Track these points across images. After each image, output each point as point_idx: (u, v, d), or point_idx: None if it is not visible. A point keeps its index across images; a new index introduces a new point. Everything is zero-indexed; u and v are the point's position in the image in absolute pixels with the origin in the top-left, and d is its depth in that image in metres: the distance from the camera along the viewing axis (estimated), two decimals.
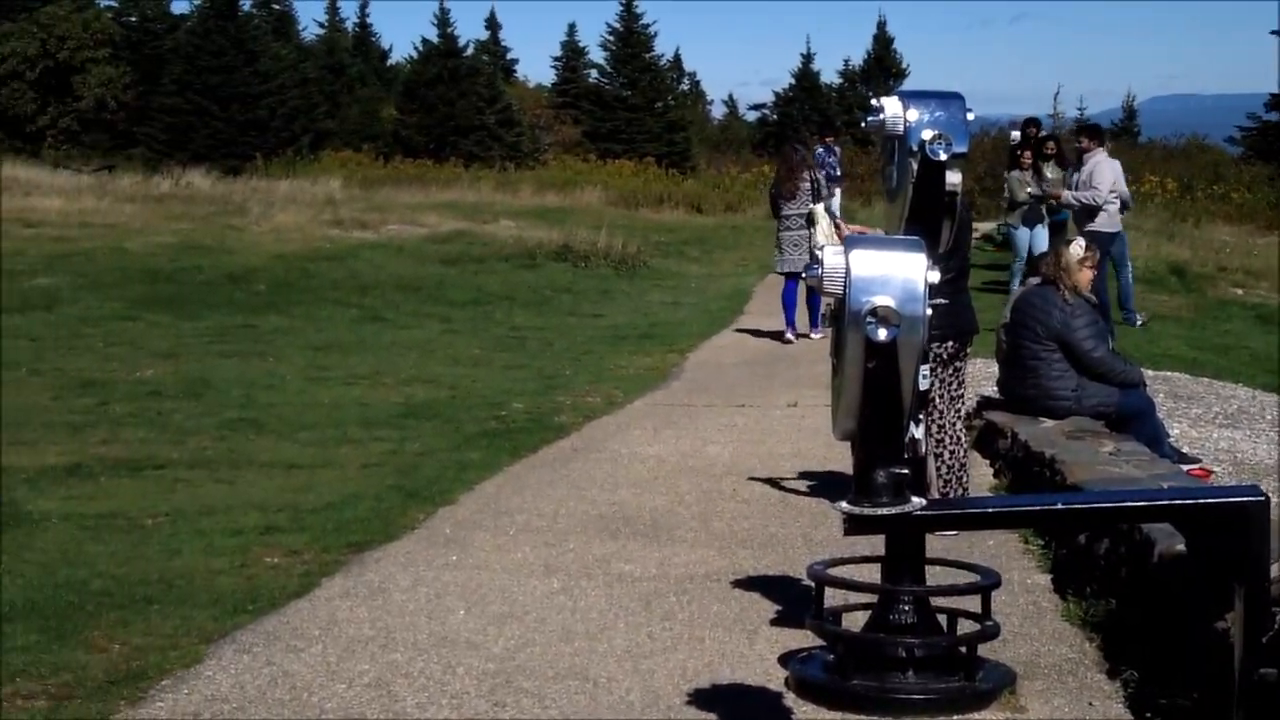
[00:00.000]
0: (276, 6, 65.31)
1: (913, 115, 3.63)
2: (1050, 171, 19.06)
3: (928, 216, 3.66)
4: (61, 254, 23.52)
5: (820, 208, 16.59)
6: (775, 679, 5.51)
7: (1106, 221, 17.34)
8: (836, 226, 16.22)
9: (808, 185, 16.86)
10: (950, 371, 8.36)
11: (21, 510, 8.67)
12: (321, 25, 70.84)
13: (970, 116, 3.70)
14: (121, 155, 51.94)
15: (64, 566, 7.47)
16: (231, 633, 6.44)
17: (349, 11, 70.39)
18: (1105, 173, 17.35)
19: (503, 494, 9.34)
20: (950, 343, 8.24)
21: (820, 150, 24.07)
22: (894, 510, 3.18)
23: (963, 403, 8.69)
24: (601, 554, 7.90)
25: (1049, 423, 9.67)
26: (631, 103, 57.57)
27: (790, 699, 5.35)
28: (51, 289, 20.11)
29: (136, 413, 12.20)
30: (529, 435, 11.38)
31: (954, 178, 3.67)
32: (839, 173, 25.32)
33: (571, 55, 64.13)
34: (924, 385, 3.41)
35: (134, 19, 58.69)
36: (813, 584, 3.49)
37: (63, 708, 5.54)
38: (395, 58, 69.11)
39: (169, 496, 9.18)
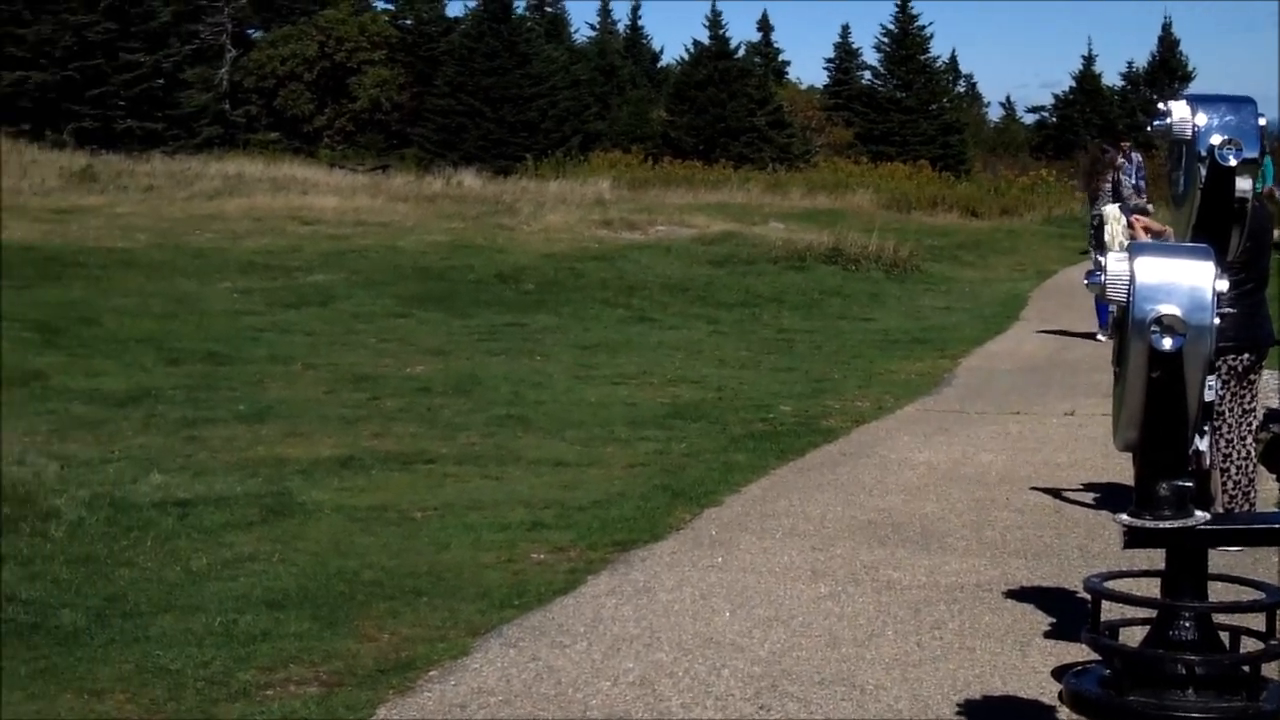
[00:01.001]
0: (549, 9, 66.59)
1: (1201, 119, 3.56)
2: None
3: (1216, 224, 3.58)
4: (337, 251, 24.33)
5: (1112, 209, 16.23)
6: (1048, 693, 5.44)
7: None
8: (1130, 224, 15.85)
9: (1109, 186, 16.55)
10: (1244, 384, 8.14)
11: (295, 501, 9.02)
12: (593, 28, 72.09)
13: (1262, 121, 3.61)
14: (395, 155, 53.56)
15: (336, 557, 7.76)
16: (498, 627, 6.62)
17: (621, 14, 71.31)
18: None
19: (769, 497, 9.38)
20: (1246, 355, 8.03)
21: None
22: (1176, 524, 3.14)
23: (1254, 416, 8.44)
24: (870, 560, 7.89)
25: None
26: (905, 105, 57.16)
27: (1064, 714, 5.27)
28: (327, 285, 20.81)
29: (407, 408, 12.58)
30: (796, 438, 11.41)
31: (1244, 184, 3.59)
32: (1138, 181, 24.49)
33: (844, 57, 63.94)
34: (1209, 396, 3.35)
35: (410, 22, 60.43)
36: (1089, 597, 3.45)
37: (334, 695, 5.78)
38: (666, 59, 69.98)
39: (438, 491, 9.45)
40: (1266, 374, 11.81)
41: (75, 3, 49.52)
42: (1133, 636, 3.38)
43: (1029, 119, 68.91)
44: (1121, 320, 3.13)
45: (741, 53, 58.92)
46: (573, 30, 68.77)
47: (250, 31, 62.42)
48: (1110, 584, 3.51)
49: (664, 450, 10.93)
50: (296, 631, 6.47)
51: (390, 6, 62.16)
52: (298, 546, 7.93)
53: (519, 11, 57.95)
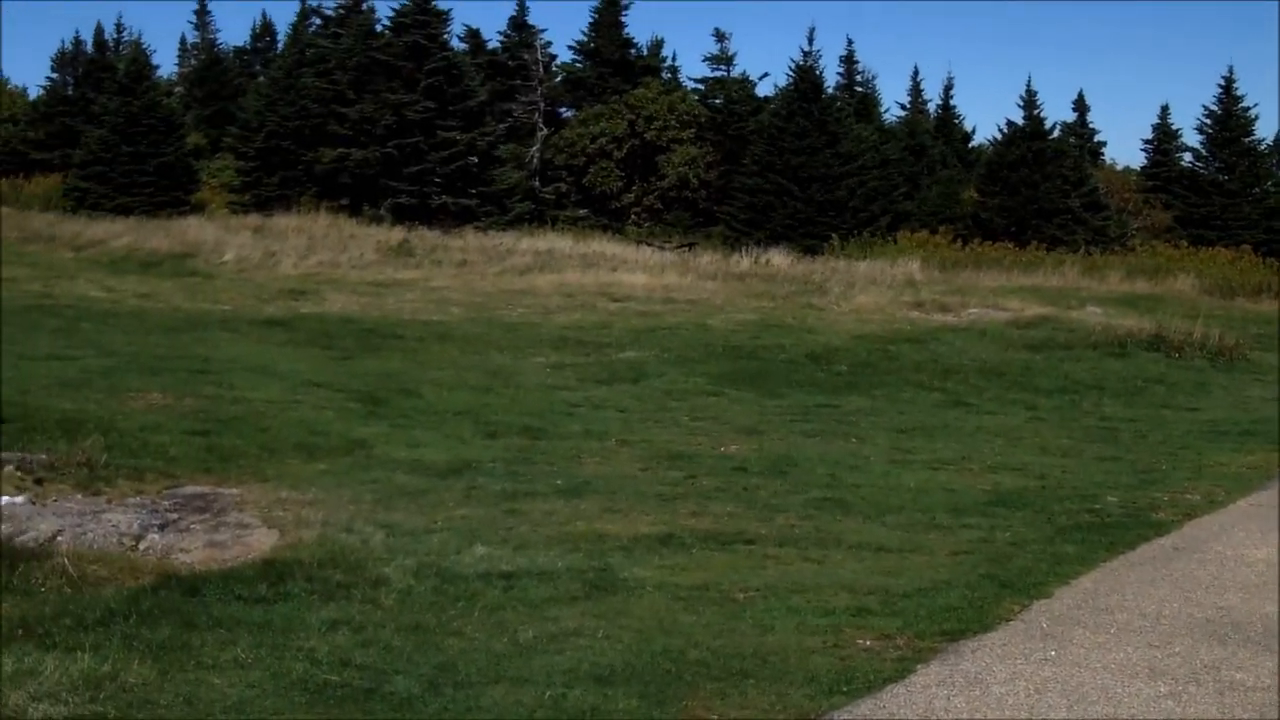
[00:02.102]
0: (859, 89, 66.59)
1: None
2: None
3: None
4: (647, 328, 24.65)
5: None
6: None
7: None
8: None
9: None
10: None
11: (617, 577, 9.08)
12: (903, 107, 71.89)
13: None
14: (701, 233, 54.07)
15: (660, 635, 7.77)
16: (827, 714, 6.53)
17: (932, 93, 70.77)
18: None
19: (1100, 590, 9.09)
20: None
21: None
22: None
23: None
24: (1210, 660, 7.57)
25: None
26: (1228, 187, 55.37)
27: None
28: (638, 362, 21.08)
29: (724, 487, 12.60)
30: (1125, 530, 11.05)
31: None
32: None
33: (1163, 138, 62.34)
34: None
35: (719, 101, 61.10)
36: None
37: None
38: (978, 139, 69.24)
39: (759, 571, 9.41)
40: None
41: (396, 83, 51.54)
42: None
43: None
44: None
45: (1056, 133, 57.94)
46: (883, 110, 68.67)
47: (562, 110, 63.93)
48: None
49: (988, 539, 10.70)
50: (625, 709, 6.49)
51: (700, 86, 63.00)
52: (622, 623, 7.97)
53: (829, 91, 58.11)
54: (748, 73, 63.76)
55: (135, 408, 14.77)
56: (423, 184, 50.36)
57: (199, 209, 50.73)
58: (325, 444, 13.68)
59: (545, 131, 59.60)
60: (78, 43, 69.46)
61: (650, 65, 64.18)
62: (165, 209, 48.60)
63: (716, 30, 65.62)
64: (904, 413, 18.22)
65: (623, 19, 63.75)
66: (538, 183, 57.75)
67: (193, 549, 9.49)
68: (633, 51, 63.93)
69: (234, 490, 11.45)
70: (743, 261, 38.16)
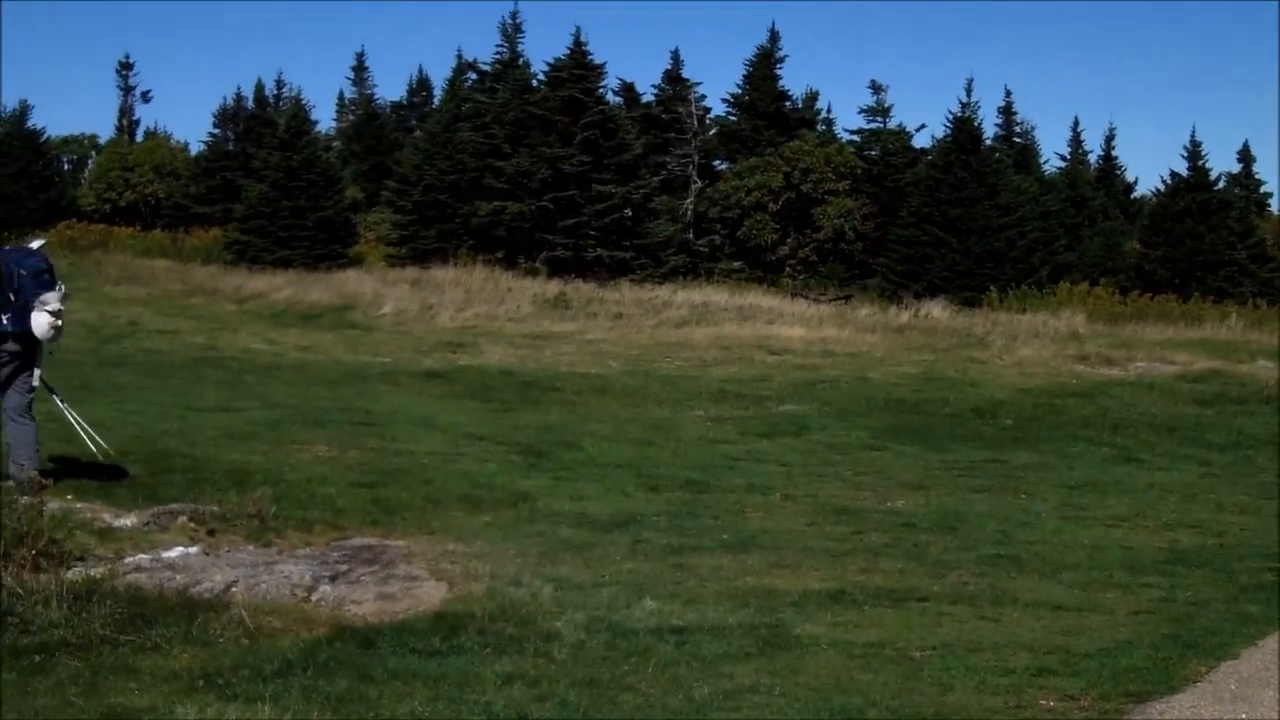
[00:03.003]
0: (1018, 140, 66.07)
1: None
2: None
3: None
4: (806, 381, 24.56)
5: None
6: None
7: None
8: None
9: None
10: None
11: (790, 633, 9.01)
12: (1063, 158, 71.17)
13: None
14: (858, 285, 53.85)
15: (837, 693, 7.68)
16: None
17: (1093, 144, 69.97)
18: None
19: None
20: None
21: None
22: None
23: None
24: None
25: None
26: None
27: None
28: (799, 415, 21.00)
29: (892, 543, 12.47)
30: None
31: None
32: None
33: None
34: None
35: (875, 153, 60.93)
36: None
37: None
38: (1140, 190, 68.37)
39: (934, 629, 9.28)
40: None
41: (552, 137, 52.07)
42: None
43: None
44: None
45: (1221, 184, 56.98)
46: (1042, 160, 68.07)
47: (716, 163, 64.14)
48: None
49: (1168, 598, 10.46)
50: None
51: (855, 138, 62.88)
52: (798, 680, 7.90)
53: (987, 142, 57.69)
54: (904, 124, 63.43)
55: (301, 459, 15.00)
56: (578, 237, 50.76)
57: (357, 262, 51.57)
58: (489, 496, 13.77)
59: (700, 184, 59.82)
60: (239, 99, 71.12)
61: (805, 117, 64.22)
62: (324, 262, 49.49)
63: (873, 82, 65.43)
64: (1073, 468, 17.92)
65: (777, 71, 63.87)
66: (692, 235, 57.93)
67: (364, 601, 9.58)
68: (788, 104, 64.00)
69: (401, 542, 11.56)
70: (901, 314, 37.93)
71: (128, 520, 11.49)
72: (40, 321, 12.24)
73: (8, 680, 7.21)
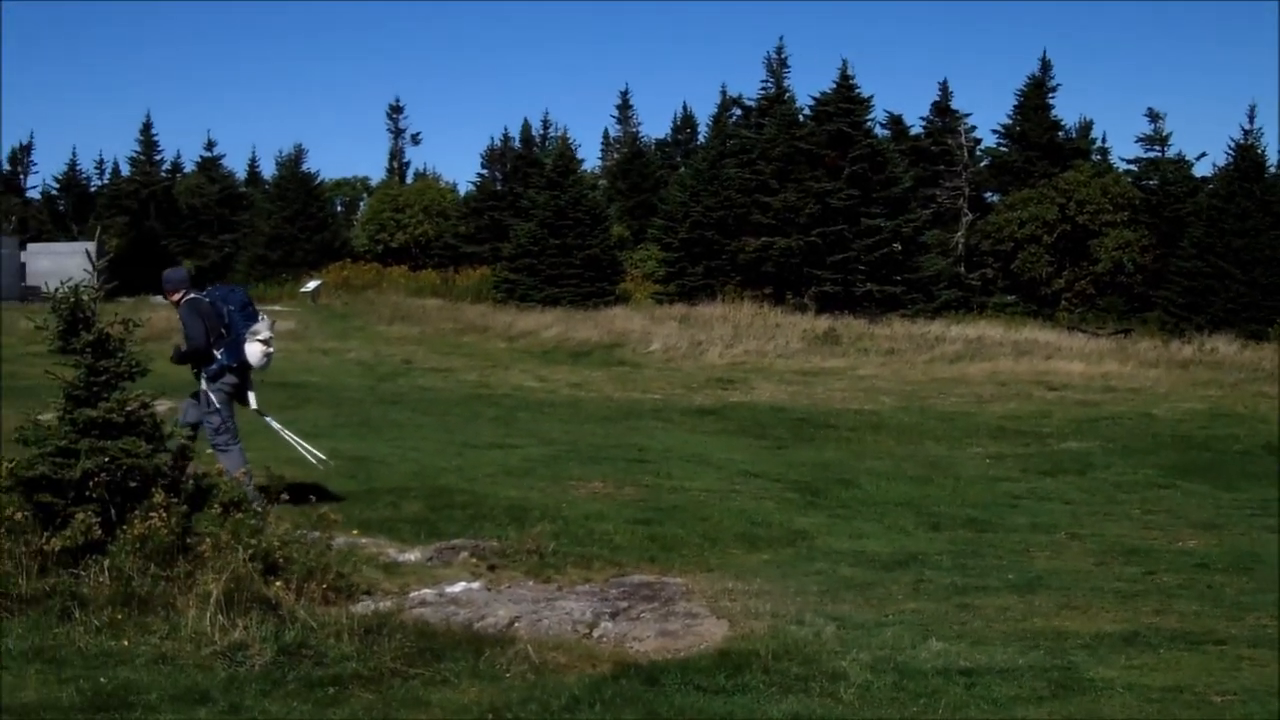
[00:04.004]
0: None
1: None
2: None
3: None
4: (1088, 418, 24.03)
5: None
6: None
7: None
8: None
9: None
10: None
11: (1083, 676, 8.79)
12: None
13: None
14: (1137, 319, 52.58)
15: None
16: None
17: None
18: None
19: None
20: None
21: None
22: None
23: None
24: None
25: None
26: None
27: None
28: (1082, 452, 20.54)
29: (1185, 584, 12.09)
30: None
31: None
32: None
33: None
34: None
35: (1153, 182, 59.52)
36: None
37: None
38: None
39: (1234, 674, 8.96)
40: None
41: (820, 171, 52.03)
42: None
43: None
44: None
45: None
46: None
47: (987, 195, 63.39)
48: None
49: None
50: None
51: (1133, 168, 61.52)
52: None
53: (1271, 170, 55.89)
54: (1183, 152, 61.93)
55: (578, 496, 15.19)
56: (847, 272, 50.61)
57: (624, 299, 52.22)
58: (766, 534, 13.76)
59: (970, 217, 59.17)
60: (506, 139, 72.77)
61: (1079, 147, 63.07)
62: (591, 299, 50.23)
63: (1150, 110, 64.09)
64: None
65: (1049, 100, 62.88)
66: (963, 269, 57.30)
67: (645, 638, 9.63)
68: (1061, 134, 62.94)
69: (679, 579, 11.61)
70: (1184, 348, 36.89)
71: (411, 555, 11.79)
72: (254, 351, 13.21)
73: (303, 712, 7.44)
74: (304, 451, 14.11)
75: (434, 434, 20.33)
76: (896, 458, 19.76)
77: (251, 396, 13.57)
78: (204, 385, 13.28)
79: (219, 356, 13.22)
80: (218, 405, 13.22)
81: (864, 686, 8.32)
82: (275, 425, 14.18)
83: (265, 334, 13.28)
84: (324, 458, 14.29)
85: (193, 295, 13.40)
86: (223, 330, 13.23)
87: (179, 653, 8.45)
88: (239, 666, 8.21)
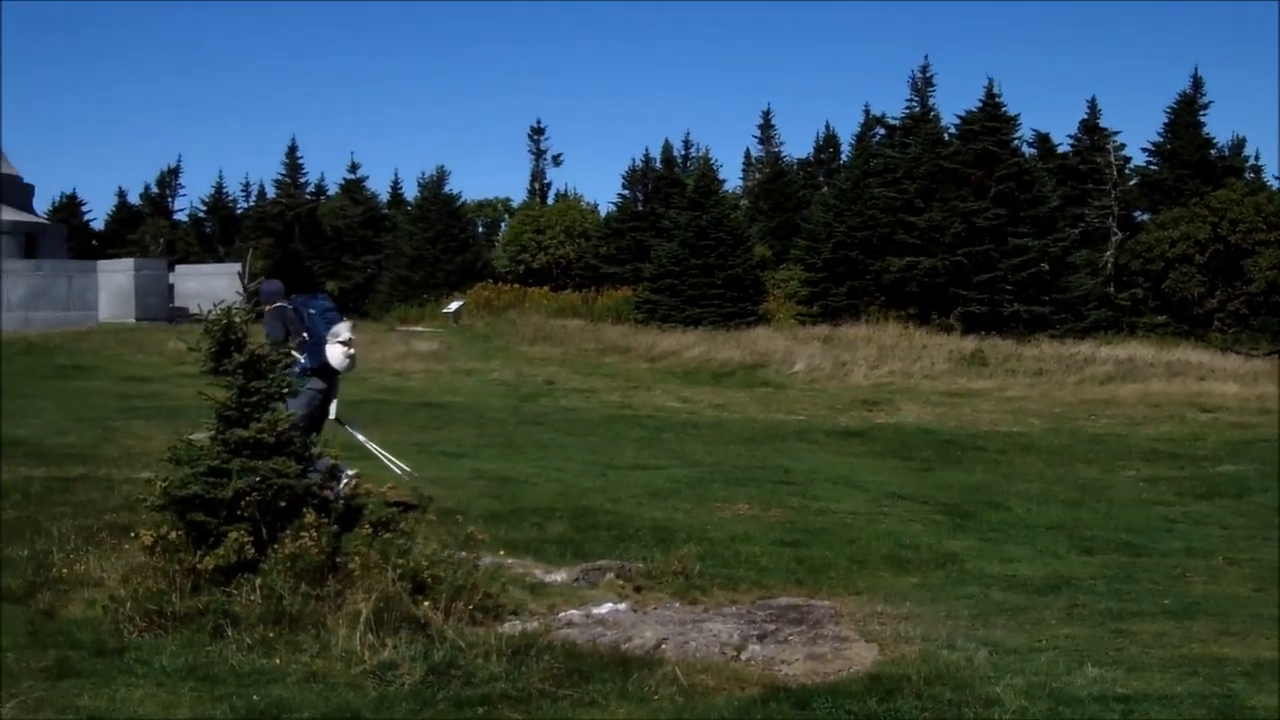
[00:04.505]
0: None
1: None
2: None
3: None
4: (1243, 440, 23.57)
5: None
6: None
7: None
8: None
9: None
10: None
11: (1244, 704, 8.59)
12: None
13: None
14: None
15: None
16: None
17: None
18: None
19: None
20: None
21: None
22: None
23: None
24: None
25: None
26: None
27: None
28: (1238, 476, 20.14)
29: None
30: None
31: None
32: None
33: None
34: None
35: None
36: None
37: None
38: None
39: None
40: None
41: (965, 191, 51.59)
42: None
43: None
44: None
45: None
46: None
47: (1137, 214, 62.48)
48: None
49: None
50: None
51: None
52: None
53: None
54: None
55: (723, 517, 15.15)
56: (993, 292, 50.10)
57: (766, 319, 52.12)
58: (915, 557, 13.63)
59: (1120, 236, 58.33)
60: (647, 160, 72.95)
61: (1232, 165, 61.98)
62: (733, 320, 50.18)
63: None
64: None
65: (1200, 118, 61.85)
66: (1113, 289, 56.47)
67: (794, 661, 9.57)
68: (1213, 151, 61.87)
69: (827, 602, 11.53)
70: None
71: (557, 576, 11.83)
72: (335, 353, 13.48)
73: None
74: (389, 464, 14.28)
75: (577, 454, 20.41)
76: (1047, 480, 19.50)
77: (333, 405, 13.87)
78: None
79: (301, 360, 13.52)
80: (296, 408, 13.45)
81: (1019, 713, 8.20)
82: (359, 436, 14.36)
83: (345, 335, 13.57)
84: (409, 469, 14.46)
85: (279, 304, 13.92)
86: (305, 334, 13.62)
87: (330, 671, 8.54)
88: (389, 685, 8.28)
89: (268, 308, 13.93)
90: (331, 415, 13.90)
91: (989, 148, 52.38)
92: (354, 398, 27.45)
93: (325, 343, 13.55)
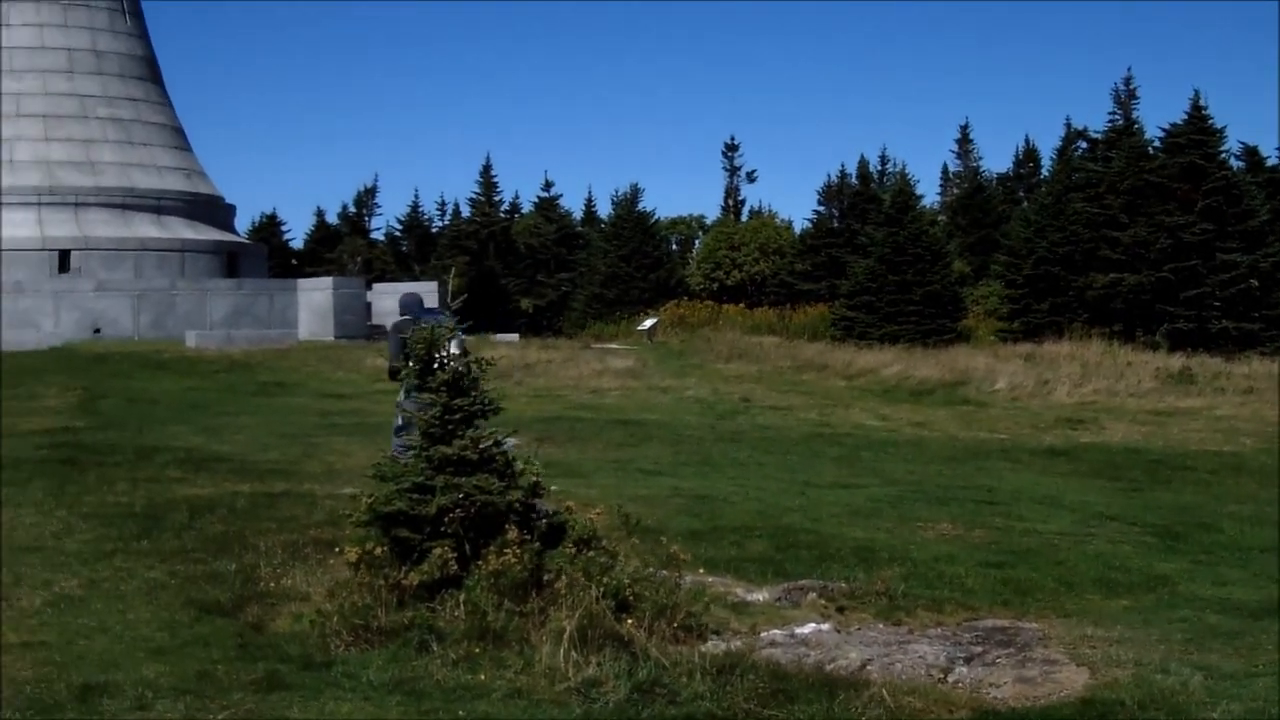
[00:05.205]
0: None
1: None
2: None
3: None
4: None
5: None
6: None
7: None
8: None
9: None
10: None
11: None
12: None
13: None
14: None
15: None
16: None
17: None
18: None
19: None
20: None
21: None
22: None
23: None
24: None
25: None
26: None
27: None
28: None
29: None
30: None
31: None
32: None
33: None
34: None
35: None
36: None
37: None
38: None
39: None
40: None
41: (1171, 205, 50.50)
42: None
43: None
44: None
45: None
46: None
47: None
48: None
49: None
50: None
51: None
52: None
53: None
54: None
55: (926, 537, 15.00)
56: (1201, 308, 48.97)
57: (965, 337, 51.54)
58: (1125, 579, 13.35)
59: None
60: (843, 176, 72.58)
61: None
62: (932, 337, 49.71)
63: None
64: None
65: None
66: None
67: (1002, 684, 9.44)
68: None
69: (1034, 624, 11.36)
70: None
71: (759, 595, 11.80)
72: None
73: None
74: None
75: (776, 473, 20.35)
76: (1260, 501, 18.97)
77: None
78: (400, 398, 14.56)
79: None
80: (408, 420, 14.15)
81: None
82: None
83: (452, 349, 13.83)
84: None
85: (403, 318, 14.64)
86: None
87: (534, 688, 8.62)
88: (593, 703, 8.33)
89: (395, 320, 14.59)
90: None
91: (1195, 161, 51.19)
92: (550, 414, 27.71)
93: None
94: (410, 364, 11.68)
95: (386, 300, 50.73)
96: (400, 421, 14.78)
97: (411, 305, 14.90)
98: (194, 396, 30.62)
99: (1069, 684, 9.44)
